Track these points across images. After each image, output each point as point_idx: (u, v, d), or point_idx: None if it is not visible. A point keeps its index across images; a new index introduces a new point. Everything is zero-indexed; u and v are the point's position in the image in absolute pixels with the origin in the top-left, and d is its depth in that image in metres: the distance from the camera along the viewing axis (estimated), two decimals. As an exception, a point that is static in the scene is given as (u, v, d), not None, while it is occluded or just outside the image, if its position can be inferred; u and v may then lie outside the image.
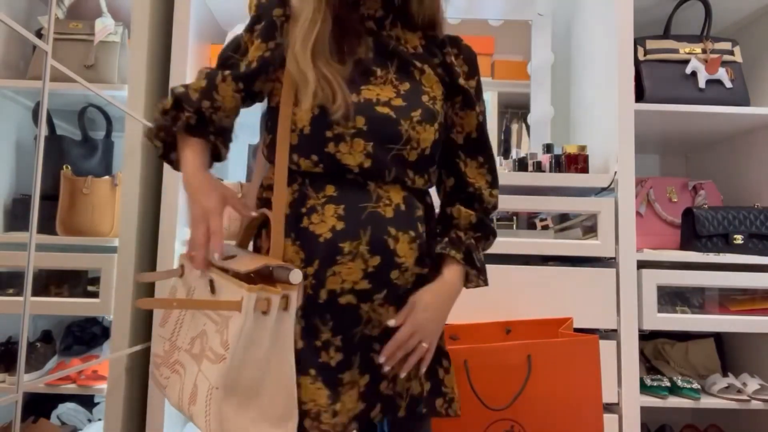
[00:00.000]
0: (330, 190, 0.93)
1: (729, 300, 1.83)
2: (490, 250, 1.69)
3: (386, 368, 0.93)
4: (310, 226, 0.92)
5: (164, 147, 0.96)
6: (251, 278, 0.86)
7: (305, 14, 0.92)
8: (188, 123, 0.92)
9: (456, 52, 1.06)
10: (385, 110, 0.93)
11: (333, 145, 0.91)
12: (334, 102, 0.89)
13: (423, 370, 0.96)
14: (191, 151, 0.92)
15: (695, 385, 1.74)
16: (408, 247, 0.95)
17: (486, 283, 1.07)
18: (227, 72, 0.95)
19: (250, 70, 0.95)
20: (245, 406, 0.83)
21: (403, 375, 0.94)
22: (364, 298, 0.93)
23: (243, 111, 2.22)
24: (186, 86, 0.95)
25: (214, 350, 0.84)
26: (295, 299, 0.86)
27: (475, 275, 1.04)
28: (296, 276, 0.85)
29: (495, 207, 1.07)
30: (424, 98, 0.97)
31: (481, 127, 1.06)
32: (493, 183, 1.07)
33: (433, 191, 1.08)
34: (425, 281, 0.99)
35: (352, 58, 0.96)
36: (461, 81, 1.03)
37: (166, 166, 1.72)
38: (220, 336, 0.83)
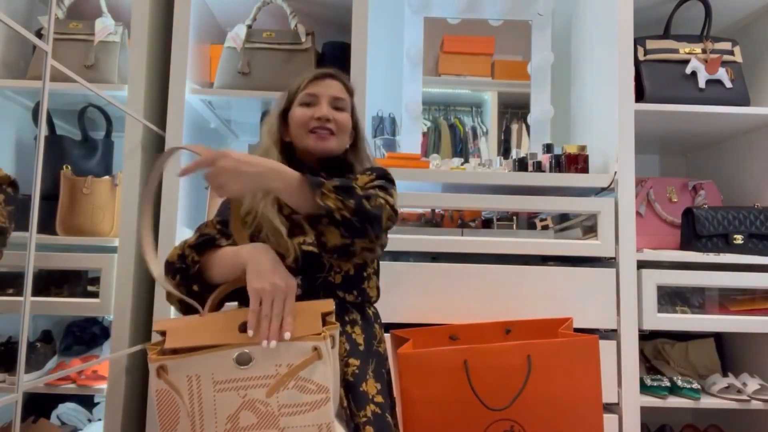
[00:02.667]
0: None
1: (729, 300, 1.83)
2: (491, 250, 1.70)
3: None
4: None
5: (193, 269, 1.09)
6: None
7: None
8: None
9: (369, 172, 1.23)
10: (309, 248, 1.12)
11: None
12: (286, 252, 1.09)
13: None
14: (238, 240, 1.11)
15: (695, 385, 1.74)
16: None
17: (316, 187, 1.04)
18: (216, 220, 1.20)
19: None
20: None
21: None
22: None
23: (243, 111, 2.21)
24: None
25: (300, 402, 0.93)
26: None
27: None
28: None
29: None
30: None
31: None
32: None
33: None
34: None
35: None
36: None
37: (166, 167, 1.73)
38: (299, 389, 0.93)
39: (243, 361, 0.93)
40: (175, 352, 0.95)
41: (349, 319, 1.13)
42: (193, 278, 1.07)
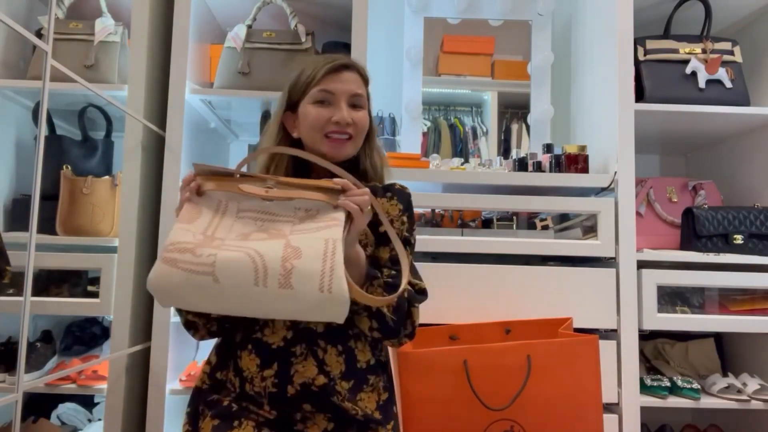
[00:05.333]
0: None
1: (729, 300, 1.83)
2: (491, 250, 1.70)
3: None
4: (263, 338, 1.06)
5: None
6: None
7: None
8: None
9: (390, 195, 1.17)
10: None
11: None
12: None
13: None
14: None
15: (695, 385, 1.74)
16: (335, 359, 1.06)
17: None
18: None
19: None
20: None
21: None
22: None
23: (243, 111, 2.21)
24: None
25: (311, 227, 0.93)
26: None
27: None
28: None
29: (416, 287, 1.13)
30: None
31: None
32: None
33: None
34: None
35: None
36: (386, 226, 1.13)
37: (166, 166, 1.73)
38: (313, 221, 0.95)
39: (268, 197, 0.97)
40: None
41: (353, 333, 1.10)
42: (210, 318, 1.08)
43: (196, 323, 1.08)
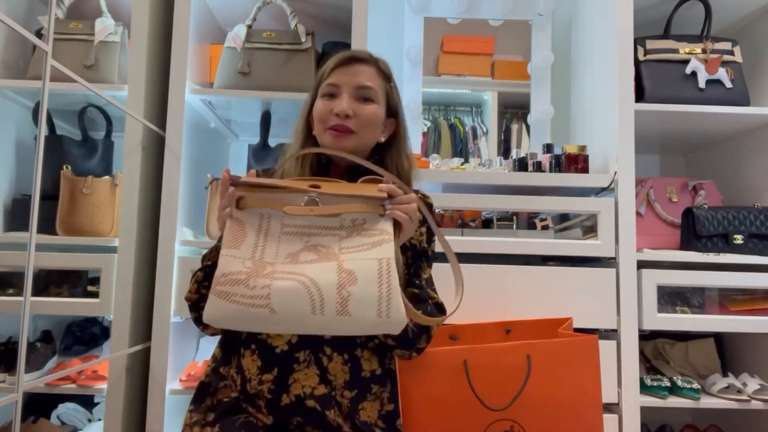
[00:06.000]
0: None
1: (729, 300, 1.83)
2: (491, 250, 1.70)
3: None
4: (267, 339, 1.05)
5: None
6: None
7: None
8: None
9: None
10: None
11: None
12: None
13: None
14: None
15: (695, 385, 1.74)
16: (340, 368, 1.06)
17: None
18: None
19: None
20: None
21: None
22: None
23: (243, 111, 2.21)
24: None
25: (361, 243, 0.92)
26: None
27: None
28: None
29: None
30: None
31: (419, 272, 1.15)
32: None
33: None
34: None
35: None
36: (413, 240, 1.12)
37: (166, 166, 1.73)
38: (361, 235, 0.93)
39: (311, 205, 0.95)
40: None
41: (360, 341, 1.10)
42: None
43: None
